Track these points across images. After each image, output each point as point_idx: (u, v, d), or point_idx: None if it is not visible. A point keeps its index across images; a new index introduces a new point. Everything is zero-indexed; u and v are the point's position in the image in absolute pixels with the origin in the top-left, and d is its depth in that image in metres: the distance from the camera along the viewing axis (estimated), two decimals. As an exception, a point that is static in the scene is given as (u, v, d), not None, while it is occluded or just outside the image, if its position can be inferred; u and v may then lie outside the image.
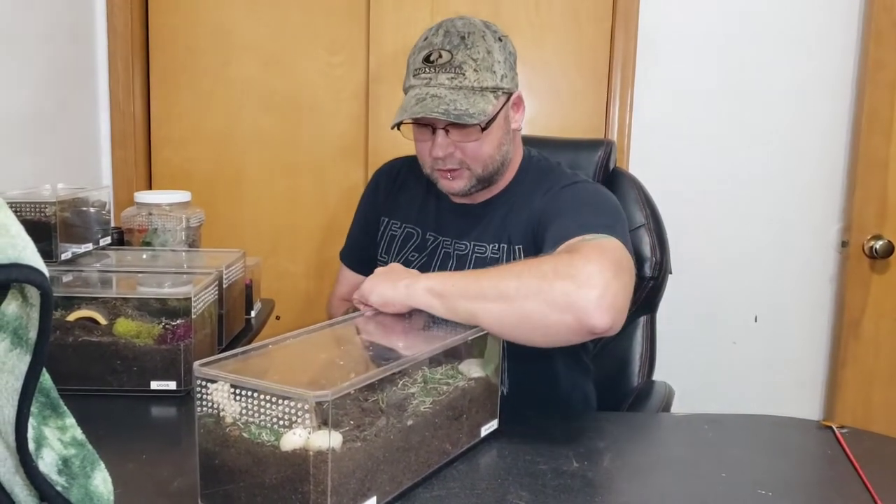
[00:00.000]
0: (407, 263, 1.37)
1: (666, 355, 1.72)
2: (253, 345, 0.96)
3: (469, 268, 1.32)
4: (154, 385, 1.22)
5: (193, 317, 1.25)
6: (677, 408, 1.45)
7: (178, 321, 1.25)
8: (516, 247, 1.30)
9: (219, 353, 1.44)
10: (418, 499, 0.90)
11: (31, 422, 0.71)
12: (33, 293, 0.63)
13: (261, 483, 0.80)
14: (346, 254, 1.49)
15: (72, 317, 1.28)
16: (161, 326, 1.25)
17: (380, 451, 0.85)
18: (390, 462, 0.87)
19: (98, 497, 0.75)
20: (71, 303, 1.27)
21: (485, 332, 1.06)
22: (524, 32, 2.11)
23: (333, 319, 1.13)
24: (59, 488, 0.71)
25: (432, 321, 1.13)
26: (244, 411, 0.81)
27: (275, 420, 0.79)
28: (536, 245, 1.25)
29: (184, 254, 1.66)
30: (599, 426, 1.15)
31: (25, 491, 0.68)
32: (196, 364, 0.84)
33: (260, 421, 0.80)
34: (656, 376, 1.59)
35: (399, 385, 0.98)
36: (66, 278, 1.41)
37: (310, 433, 0.78)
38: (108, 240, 1.61)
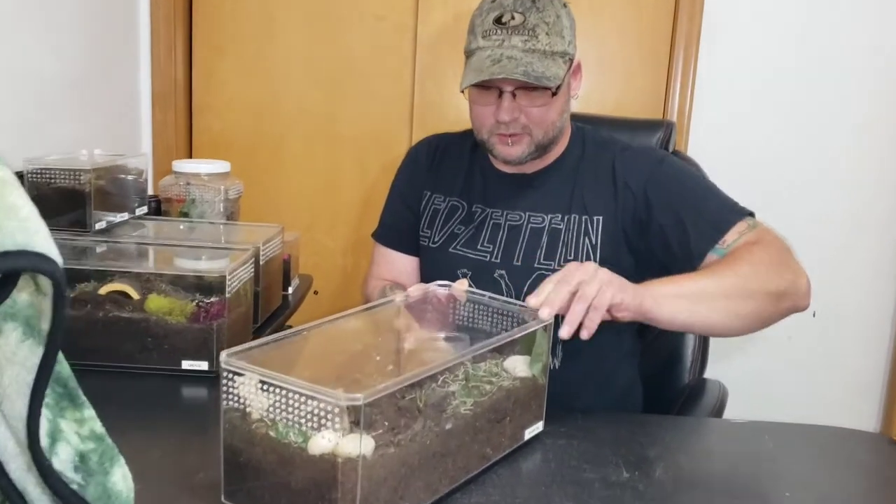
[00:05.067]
0: (453, 237, 1.31)
1: (718, 348, 1.63)
2: (287, 331, 0.90)
3: (523, 239, 1.26)
4: (185, 365, 1.18)
5: (228, 295, 1.20)
6: (728, 405, 1.37)
7: (212, 299, 1.20)
8: (595, 218, 1.24)
9: (254, 331, 1.41)
10: (455, 506, 0.84)
11: (46, 414, 0.66)
12: (45, 282, 0.58)
13: (286, 485, 0.75)
14: (381, 234, 1.42)
15: (103, 290, 1.24)
16: (194, 304, 1.20)
17: (415, 456, 0.79)
18: (426, 468, 0.81)
19: (116, 495, 0.70)
20: (103, 275, 1.23)
21: (534, 328, 0.98)
22: (580, 1, 2.00)
23: (371, 303, 1.07)
24: (74, 486, 0.66)
25: (473, 314, 1.07)
26: (272, 408, 0.76)
27: (303, 420, 0.73)
28: (636, 223, 1.24)
29: (221, 227, 1.62)
30: (650, 431, 1.08)
31: (38, 489, 0.64)
32: (224, 354, 0.79)
33: (288, 420, 0.75)
34: (708, 372, 1.50)
35: (439, 382, 0.92)
36: (100, 248, 1.38)
37: (340, 437, 0.73)
38: (144, 209, 1.58)
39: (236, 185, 1.72)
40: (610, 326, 1.03)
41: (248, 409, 0.77)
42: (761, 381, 2.07)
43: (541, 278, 1.22)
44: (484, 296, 1.07)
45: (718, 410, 1.31)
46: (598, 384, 1.30)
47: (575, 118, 1.34)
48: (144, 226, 1.57)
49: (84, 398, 0.72)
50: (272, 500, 0.77)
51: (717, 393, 1.38)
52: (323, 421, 0.72)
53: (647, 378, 1.43)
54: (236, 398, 0.78)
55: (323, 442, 0.72)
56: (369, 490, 0.73)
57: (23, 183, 1.34)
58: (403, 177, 1.42)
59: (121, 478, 0.72)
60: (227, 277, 1.19)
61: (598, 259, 1.23)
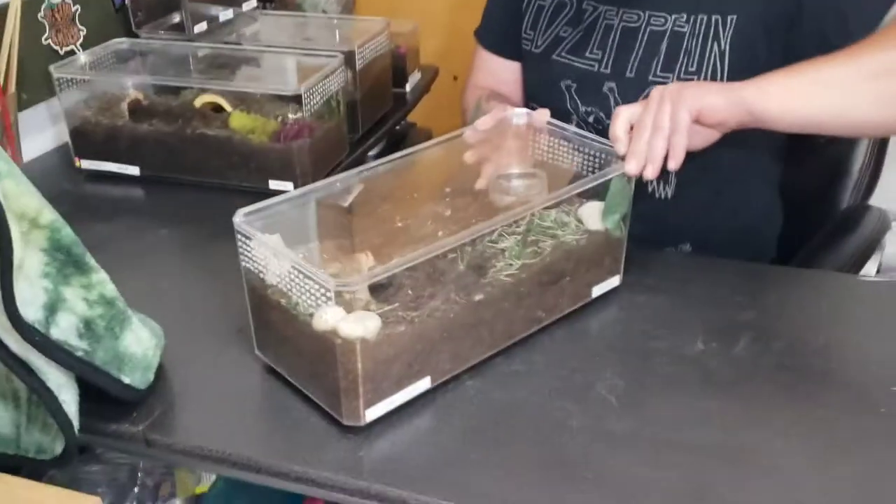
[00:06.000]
0: (557, 41, 1.12)
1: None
2: (333, 178, 0.84)
3: (639, 46, 1.05)
4: (272, 185, 1.16)
5: (306, 115, 1.14)
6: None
7: (295, 116, 1.15)
8: (729, 17, 1.00)
9: (356, 139, 1.35)
10: (489, 373, 0.78)
11: (45, 285, 0.66)
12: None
13: (301, 353, 0.73)
14: (483, 33, 1.25)
15: (198, 101, 1.22)
16: (279, 121, 1.16)
17: (434, 331, 0.73)
18: (452, 339, 0.75)
19: (129, 357, 0.72)
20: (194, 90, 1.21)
21: (609, 177, 0.84)
22: None
23: (445, 136, 0.97)
24: (80, 353, 0.68)
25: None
26: (282, 277, 0.72)
27: (307, 295, 0.69)
28: (784, 20, 0.98)
29: (335, 21, 1.52)
30: (756, 287, 0.92)
31: (42, 360, 0.66)
32: (239, 214, 0.74)
33: (295, 291, 0.70)
34: (875, 199, 1.26)
35: (494, 236, 0.83)
36: (202, 52, 1.35)
37: (342, 315, 0.68)
38: (252, 3, 1.50)
39: (349, -29, 1.59)
40: (739, 142, 0.85)
41: (262, 275, 0.74)
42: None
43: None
44: (567, 130, 0.92)
45: (865, 254, 1.10)
46: (723, 213, 1.13)
47: None
48: (255, 20, 1.51)
49: (92, 262, 0.71)
50: (292, 364, 0.76)
51: (873, 227, 1.16)
52: (322, 300, 0.67)
53: (791, 195, 1.23)
54: (252, 260, 0.74)
55: (323, 320, 0.68)
56: (374, 369, 0.69)
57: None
58: (507, -34, 1.21)
59: (134, 341, 0.73)
60: (303, 95, 1.12)
61: (726, 70, 1.01)
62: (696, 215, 1.11)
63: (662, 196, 1.10)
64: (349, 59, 1.28)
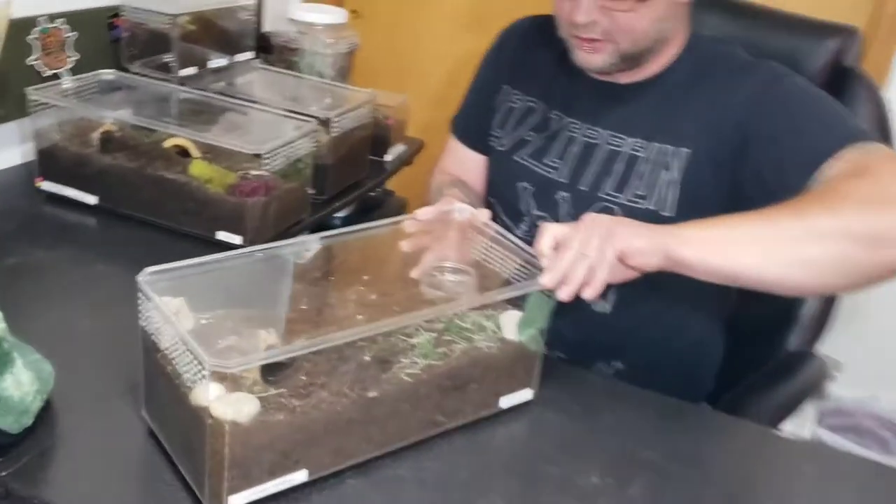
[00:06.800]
0: (521, 143, 1.14)
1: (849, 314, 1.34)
2: (250, 249, 0.83)
3: (596, 161, 1.07)
4: (219, 235, 1.16)
5: (266, 174, 1.14)
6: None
7: (255, 172, 1.16)
8: (682, 149, 1.01)
9: (323, 202, 1.36)
10: (374, 474, 0.76)
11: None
12: None
13: (177, 425, 0.71)
14: (458, 122, 1.26)
15: (167, 143, 1.23)
16: (237, 176, 1.17)
17: (318, 424, 0.71)
18: (336, 434, 0.73)
19: (4, 401, 0.70)
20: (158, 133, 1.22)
21: (528, 290, 0.84)
22: None
23: (394, 219, 0.96)
24: (-53, 391, 0.67)
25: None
26: (172, 343, 0.71)
27: (189, 367, 0.68)
28: (731, 158, 0.99)
29: (326, 86, 1.53)
30: (668, 424, 0.90)
31: None
32: (145, 272, 0.74)
33: (179, 361, 0.69)
34: (825, 346, 1.25)
35: (409, 329, 0.82)
36: (184, 96, 1.36)
37: (220, 393, 0.67)
38: (247, 55, 1.53)
39: (349, 39, 1.62)
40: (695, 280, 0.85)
41: (154, 338, 0.73)
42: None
43: (606, 210, 1.04)
44: (503, 235, 0.92)
45: (797, 399, 1.09)
46: (661, 336, 1.12)
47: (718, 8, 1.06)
48: (248, 71, 1.53)
49: (-15, 299, 0.71)
50: (170, 433, 0.74)
51: (814, 375, 1.15)
52: (199, 377, 0.66)
53: (741, 336, 1.22)
54: (148, 321, 0.73)
55: (200, 394, 0.67)
56: (244, 455, 0.67)
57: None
58: (488, 63, 1.23)
59: (12, 384, 0.71)
60: (263, 155, 1.12)
61: (676, 199, 1.01)
62: (633, 334, 1.10)
63: (600, 309, 1.09)
64: (325, 125, 1.30)
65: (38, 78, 1.27)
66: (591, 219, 0.83)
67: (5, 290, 0.98)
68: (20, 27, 1.22)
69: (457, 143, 1.26)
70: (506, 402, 0.87)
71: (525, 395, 0.89)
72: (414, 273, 0.94)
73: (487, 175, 1.21)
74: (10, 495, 0.70)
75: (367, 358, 0.78)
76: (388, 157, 1.60)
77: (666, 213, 1.01)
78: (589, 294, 0.81)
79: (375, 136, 1.52)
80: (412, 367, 0.78)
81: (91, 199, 1.21)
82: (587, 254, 0.80)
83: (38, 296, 0.98)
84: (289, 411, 0.70)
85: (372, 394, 0.75)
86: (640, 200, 1.02)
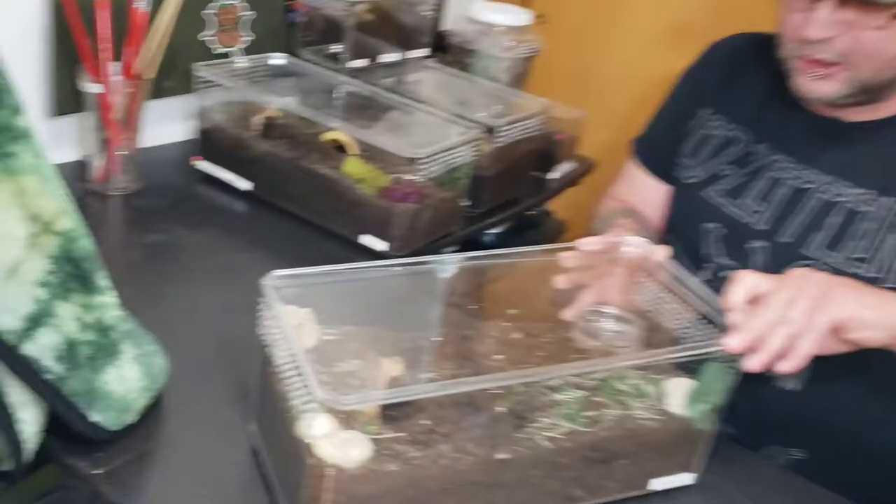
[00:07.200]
0: (714, 177, 0.98)
1: None
2: (391, 263, 0.74)
3: (805, 211, 0.90)
4: (363, 239, 1.09)
5: (420, 180, 1.06)
6: None
7: (407, 178, 1.07)
8: None
9: (478, 215, 1.25)
10: (492, 548, 0.65)
11: (39, 294, 0.61)
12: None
13: (280, 451, 0.63)
14: (641, 143, 1.12)
15: (325, 136, 1.18)
16: (391, 178, 1.09)
17: (434, 481, 0.60)
18: (454, 496, 0.62)
19: (105, 395, 0.64)
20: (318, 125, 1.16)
21: (704, 353, 0.69)
22: None
23: (553, 245, 0.84)
24: (48, 377, 0.61)
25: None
26: (286, 361, 0.62)
27: (299, 392, 0.59)
28: None
29: (497, 92, 1.43)
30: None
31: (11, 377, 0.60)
32: (271, 275, 0.66)
33: (290, 383, 0.61)
34: None
35: (554, 382, 0.70)
36: (352, 88, 1.30)
37: (326, 431, 0.57)
38: (421, 52, 1.46)
39: (529, 44, 1.51)
40: None
41: (269, 351, 0.65)
42: None
43: (808, 271, 0.87)
44: (684, 280, 0.78)
45: None
46: (858, 425, 0.92)
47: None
48: (421, 69, 1.46)
49: (102, 282, 0.65)
50: (273, 457, 0.66)
51: None
52: (308, 406, 0.57)
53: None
54: (267, 330, 0.66)
55: (305, 428, 0.58)
56: (345, 501, 0.57)
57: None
58: (687, 81, 1.08)
59: (115, 378, 0.65)
60: (419, 161, 1.04)
61: (904, 270, 0.83)
62: (824, 420, 0.92)
63: (790, 387, 0.92)
64: (490, 133, 1.20)
65: (207, 55, 1.25)
66: (800, 274, 0.68)
67: (141, 267, 0.96)
68: (194, 1, 1.21)
69: (636, 167, 1.12)
70: (659, 484, 0.73)
71: (684, 479, 0.74)
72: (567, 314, 0.82)
73: (669, 209, 1.06)
74: (100, 499, 0.64)
75: (501, 409, 0.67)
76: (554, 175, 1.48)
77: (890, 285, 0.82)
78: (786, 368, 0.65)
79: (542, 151, 1.40)
80: (553, 429, 0.66)
81: (245, 185, 1.18)
82: (792, 317, 0.64)
83: (171, 277, 0.95)
84: (403, 462, 0.59)
85: (502, 455, 0.63)
86: (858, 264, 0.84)
